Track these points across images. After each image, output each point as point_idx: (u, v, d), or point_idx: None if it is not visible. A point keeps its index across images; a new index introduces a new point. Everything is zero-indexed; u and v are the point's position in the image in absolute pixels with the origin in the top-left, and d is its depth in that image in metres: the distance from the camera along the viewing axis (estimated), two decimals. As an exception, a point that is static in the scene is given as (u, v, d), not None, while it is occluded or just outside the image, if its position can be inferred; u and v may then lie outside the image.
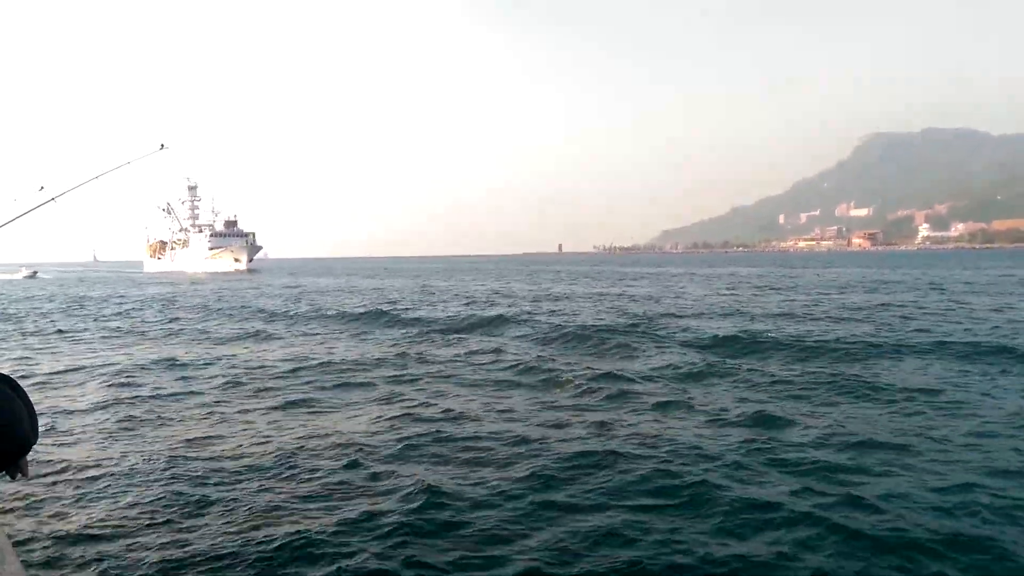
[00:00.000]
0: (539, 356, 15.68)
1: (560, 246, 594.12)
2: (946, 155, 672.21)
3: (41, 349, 18.88)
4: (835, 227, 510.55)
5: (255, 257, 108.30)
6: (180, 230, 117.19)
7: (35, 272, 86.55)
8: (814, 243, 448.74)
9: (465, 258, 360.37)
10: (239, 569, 5.36)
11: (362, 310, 29.56)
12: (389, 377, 13.43)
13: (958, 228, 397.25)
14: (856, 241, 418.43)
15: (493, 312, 27.00)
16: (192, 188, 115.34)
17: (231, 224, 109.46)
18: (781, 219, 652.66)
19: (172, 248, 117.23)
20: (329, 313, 28.91)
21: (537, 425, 9.44)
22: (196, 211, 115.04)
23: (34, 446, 1.73)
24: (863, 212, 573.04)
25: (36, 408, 1.74)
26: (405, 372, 14.04)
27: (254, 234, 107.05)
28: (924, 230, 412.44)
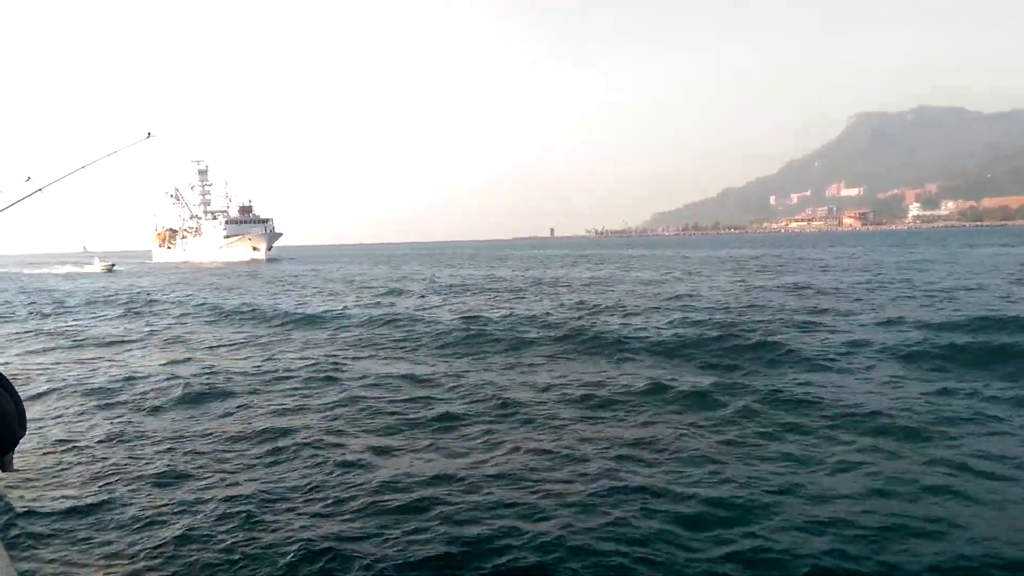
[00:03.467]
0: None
1: (552, 230, 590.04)
2: (936, 134, 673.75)
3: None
4: (826, 207, 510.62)
5: (273, 245, 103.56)
6: (191, 217, 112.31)
7: (113, 264, 77.31)
8: (805, 224, 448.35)
9: (459, 243, 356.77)
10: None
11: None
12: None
13: (948, 207, 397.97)
14: (847, 221, 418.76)
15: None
16: (202, 172, 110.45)
17: (246, 210, 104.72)
18: (772, 200, 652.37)
19: (183, 237, 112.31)
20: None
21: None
22: (207, 197, 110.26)
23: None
24: (854, 192, 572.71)
25: None
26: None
27: (272, 220, 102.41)
28: (915, 209, 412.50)
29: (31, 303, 33.28)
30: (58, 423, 10.20)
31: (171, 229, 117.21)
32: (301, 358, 15.27)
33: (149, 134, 5.88)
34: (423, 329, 19.13)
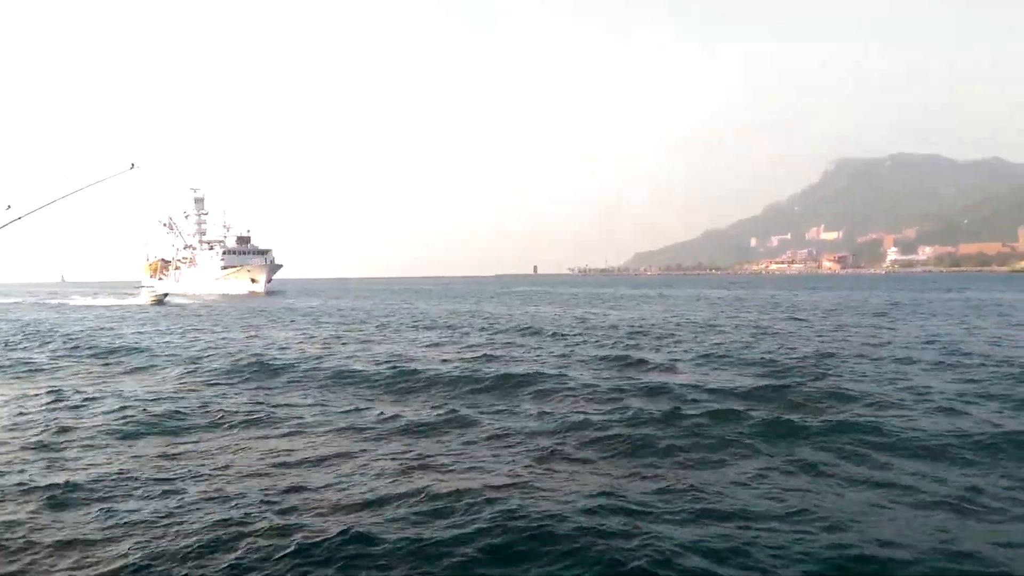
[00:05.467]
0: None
1: (535, 268, 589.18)
2: (913, 180, 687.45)
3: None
4: (806, 250, 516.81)
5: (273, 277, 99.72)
6: (185, 247, 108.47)
7: (165, 295, 68.72)
8: (785, 266, 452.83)
9: (441, 279, 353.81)
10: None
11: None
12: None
13: (926, 252, 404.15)
14: (826, 264, 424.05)
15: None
16: (199, 201, 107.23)
17: (244, 240, 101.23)
18: (753, 242, 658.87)
19: (176, 267, 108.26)
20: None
21: None
22: (203, 226, 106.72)
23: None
24: (833, 235, 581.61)
25: None
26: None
27: (272, 251, 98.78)
28: (893, 253, 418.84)
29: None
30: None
31: (163, 259, 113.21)
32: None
33: (133, 165, 6.29)
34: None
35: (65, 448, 10.10)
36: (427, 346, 24.42)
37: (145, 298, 65.26)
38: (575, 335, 27.75)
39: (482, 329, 32.00)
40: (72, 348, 25.04)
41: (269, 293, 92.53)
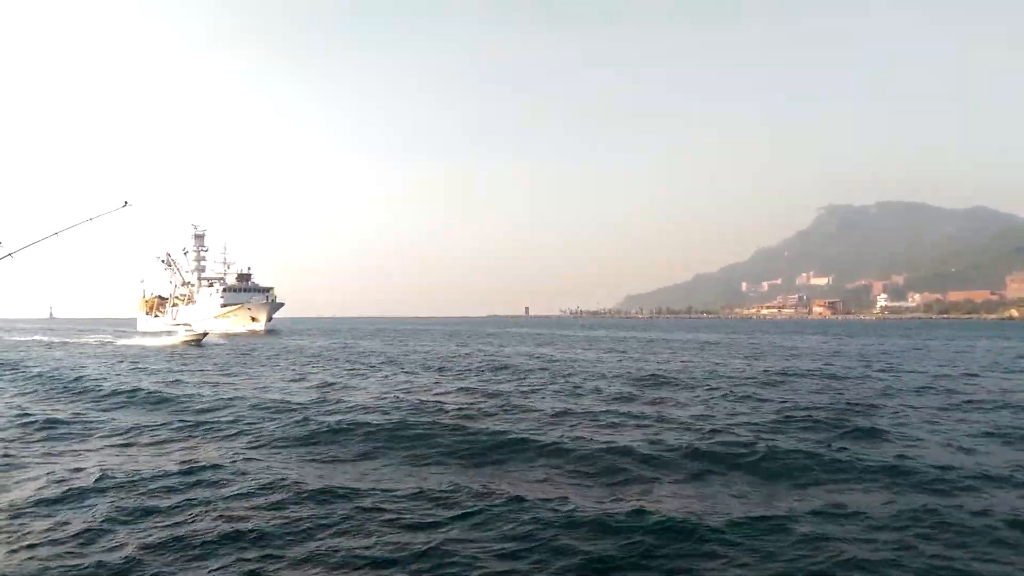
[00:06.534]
0: None
1: (527, 309, 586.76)
2: (901, 227, 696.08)
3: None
4: (796, 295, 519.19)
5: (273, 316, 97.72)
6: (183, 284, 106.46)
7: (204, 334, 60.61)
8: (776, 311, 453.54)
9: (435, 319, 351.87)
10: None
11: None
12: None
13: (915, 298, 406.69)
14: (817, 310, 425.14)
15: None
16: (199, 237, 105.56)
17: (245, 277, 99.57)
18: (744, 286, 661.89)
19: (174, 304, 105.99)
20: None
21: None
22: (203, 263, 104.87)
23: None
24: (823, 281, 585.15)
25: None
26: None
27: (274, 289, 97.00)
28: (882, 300, 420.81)
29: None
30: None
31: (160, 296, 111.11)
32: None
33: (126, 203, 6.16)
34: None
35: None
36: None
37: (181, 337, 58.60)
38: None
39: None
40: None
41: (269, 332, 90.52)
